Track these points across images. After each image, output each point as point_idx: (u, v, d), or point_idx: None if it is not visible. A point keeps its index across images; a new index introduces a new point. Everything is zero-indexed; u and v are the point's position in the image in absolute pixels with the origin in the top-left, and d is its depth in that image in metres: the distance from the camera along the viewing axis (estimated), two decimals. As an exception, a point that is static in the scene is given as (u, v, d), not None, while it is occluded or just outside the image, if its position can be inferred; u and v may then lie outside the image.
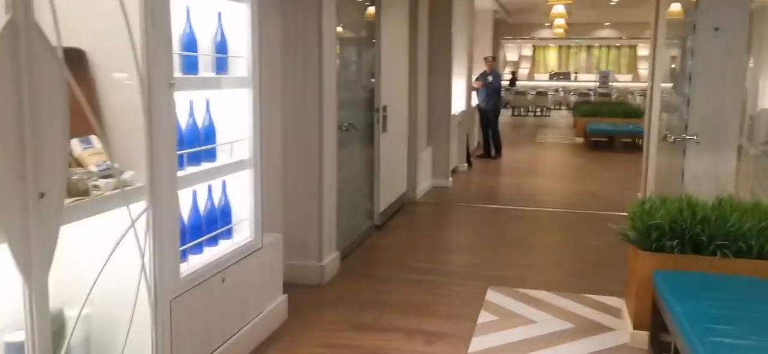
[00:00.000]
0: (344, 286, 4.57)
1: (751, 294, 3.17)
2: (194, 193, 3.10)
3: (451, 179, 8.75)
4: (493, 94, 11.20)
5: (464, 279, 4.80)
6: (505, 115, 22.02)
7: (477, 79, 11.44)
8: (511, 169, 10.51)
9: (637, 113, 14.27)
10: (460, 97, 10.08)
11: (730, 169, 4.90)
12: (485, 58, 11.40)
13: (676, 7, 6.41)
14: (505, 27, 17.72)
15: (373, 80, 6.08)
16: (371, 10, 5.94)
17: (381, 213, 6.42)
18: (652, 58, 7.09)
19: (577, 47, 32.67)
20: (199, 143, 3.11)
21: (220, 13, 3.26)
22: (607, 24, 17.43)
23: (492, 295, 4.38)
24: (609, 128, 12.65)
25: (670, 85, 6.82)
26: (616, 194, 8.23)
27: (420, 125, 7.75)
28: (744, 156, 5.43)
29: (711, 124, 4.92)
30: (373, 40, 6.02)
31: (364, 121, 5.99)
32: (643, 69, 32.08)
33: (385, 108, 6.37)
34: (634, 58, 32.12)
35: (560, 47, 32.95)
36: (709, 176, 4.96)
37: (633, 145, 13.19)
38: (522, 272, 4.95)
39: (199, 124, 3.15)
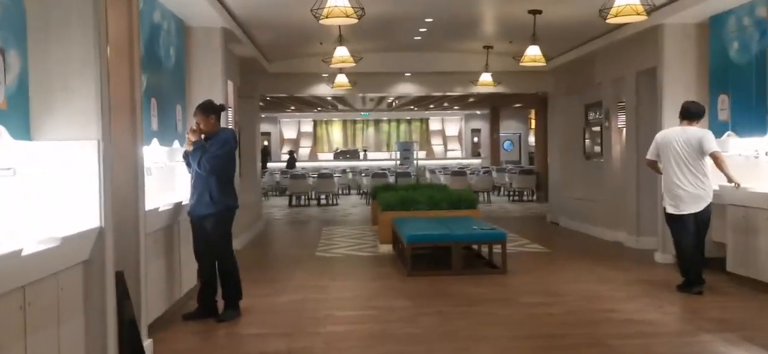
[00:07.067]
0: None
1: None
2: None
3: None
4: (209, 183, 5.03)
5: None
6: (280, 207, 16.03)
7: (194, 144, 5.14)
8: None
9: (470, 201, 9.14)
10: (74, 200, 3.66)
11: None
12: (195, 111, 5.23)
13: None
14: (266, 79, 11.87)
15: None
16: None
17: None
18: None
19: (364, 121, 28.38)
20: None
21: None
22: (407, 74, 12.48)
23: None
24: (442, 232, 7.13)
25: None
26: None
27: None
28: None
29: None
30: None
31: None
32: (438, 145, 28.85)
33: None
34: (426, 133, 28.76)
35: (345, 122, 28.41)
36: None
37: (473, 255, 7.89)
38: None
39: None
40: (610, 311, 5.32)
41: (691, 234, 5.71)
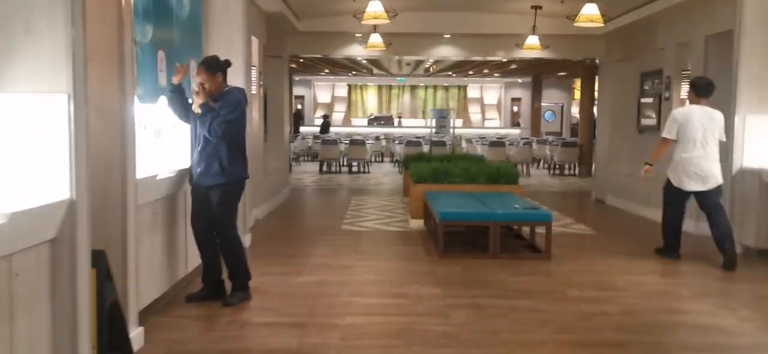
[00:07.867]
0: None
1: None
2: None
3: None
4: (219, 150, 4.41)
5: None
6: (310, 173, 15.50)
7: (201, 106, 4.48)
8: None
9: (511, 176, 8.36)
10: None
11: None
12: (198, 68, 4.59)
13: None
14: (296, 38, 11.20)
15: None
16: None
17: None
18: None
19: (399, 87, 27.54)
20: None
21: None
22: (446, 36, 11.63)
23: None
24: (480, 210, 6.42)
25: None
26: None
27: None
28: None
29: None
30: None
31: None
32: (476, 113, 27.81)
33: None
34: (464, 101, 27.74)
35: (380, 87, 27.61)
36: None
37: (512, 235, 7.21)
38: None
39: None
40: (675, 312, 4.56)
41: (683, 209, 6.02)
